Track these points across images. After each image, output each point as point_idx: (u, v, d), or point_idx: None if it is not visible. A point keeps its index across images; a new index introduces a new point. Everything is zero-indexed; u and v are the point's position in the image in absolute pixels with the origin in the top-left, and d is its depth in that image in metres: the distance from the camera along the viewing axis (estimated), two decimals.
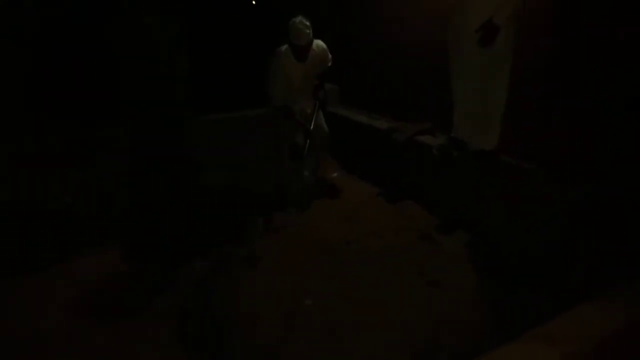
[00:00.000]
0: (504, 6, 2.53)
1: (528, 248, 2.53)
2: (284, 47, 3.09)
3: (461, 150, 3.00)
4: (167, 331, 2.19)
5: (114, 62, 2.88)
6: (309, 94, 3.34)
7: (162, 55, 2.86)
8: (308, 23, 2.95)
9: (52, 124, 3.69)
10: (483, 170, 2.86)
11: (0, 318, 2.26)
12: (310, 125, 3.32)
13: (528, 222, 2.56)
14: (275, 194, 3.58)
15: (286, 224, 3.14)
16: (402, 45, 3.80)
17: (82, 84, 3.78)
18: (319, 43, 3.14)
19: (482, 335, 1.96)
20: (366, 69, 4.27)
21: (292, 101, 3.24)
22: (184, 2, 2.94)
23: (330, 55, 3.31)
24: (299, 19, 2.95)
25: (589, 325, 1.62)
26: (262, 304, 2.32)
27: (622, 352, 1.54)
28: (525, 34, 2.65)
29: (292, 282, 2.47)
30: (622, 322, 1.63)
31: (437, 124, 3.44)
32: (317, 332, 2.11)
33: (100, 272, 2.64)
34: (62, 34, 3.75)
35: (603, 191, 2.27)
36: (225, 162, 3.72)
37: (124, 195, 3.18)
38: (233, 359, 2.04)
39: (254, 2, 5.04)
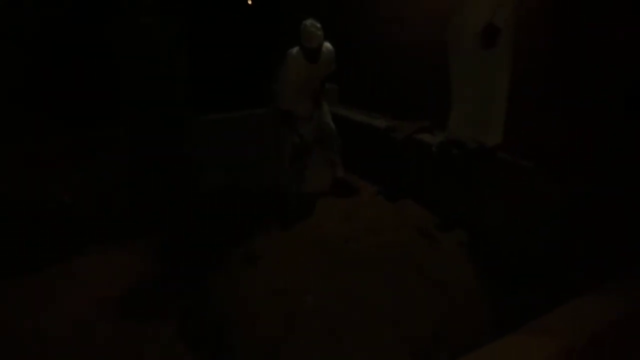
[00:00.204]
0: (502, 7, 2.54)
1: (528, 247, 2.53)
2: (295, 49, 3.09)
3: (460, 149, 3.00)
4: (168, 330, 2.19)
5: (114, 62, 2.88)
6: (314, 94, 3.34)
7: (162, 55, 2.87)
8: (319, 25, 2.96)
9: (52, 124, 3.69)
10: (482, 169, 2.86)
11: (1, 318, 2.26)
12: (316, 124, 3.32)
13: (528, 221, 2.56)
14: (275, 193, 3.58)
15: (286, 222, 3.13)
16: (402, 45, 3.80)
17: (82, 84, 3.78)
18: (327, 45, 3.15)
19: (482, 333, 1.97)
20: (366, 68, 4.27)
21: (298, 102, 3.24)
22: (184, 2, 2.94)
23: (334, 58, 3.30)
24: (310, 21, 2.95)
25: (584, 318, 1.64)
26: (262, 303, 2.32)
27: (617, 345, 1.55)
28: (525, 34, 2.66)
29: (292, 281, 2.47)
30: (617, 315, 1.65)
31: (436, 123, 3.44)
32: (317, 331, 2.12)
33: (100, 272, 2.64)
34: (62, 34, 3.74)
35: (603, 191, 2.28)
36: (224, 162, 3.72)
37: (124, 195, 3.18)
38: (233, 359, 2.04)
39: (249, 2, 5.03)
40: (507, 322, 1.89)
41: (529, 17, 2.64)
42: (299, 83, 3.12)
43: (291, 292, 2.37)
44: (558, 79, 2.63)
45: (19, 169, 3.30)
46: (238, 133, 3.97)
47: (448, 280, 2.46)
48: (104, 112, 3.35)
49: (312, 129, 3.41)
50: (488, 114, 2.79)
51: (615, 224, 2.19)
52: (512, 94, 2.73)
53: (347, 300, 2.31)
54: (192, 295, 2.46)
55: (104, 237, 2.92)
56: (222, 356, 2.06)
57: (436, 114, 3.42)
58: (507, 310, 2.17)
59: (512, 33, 2.62)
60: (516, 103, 2.75)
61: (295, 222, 3.14)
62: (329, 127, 3.50)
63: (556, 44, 2.63)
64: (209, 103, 3.76)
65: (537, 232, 2.50)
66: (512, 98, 2.74)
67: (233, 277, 2.57)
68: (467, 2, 2.72)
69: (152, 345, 2.12)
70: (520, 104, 2.76)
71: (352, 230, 2.98)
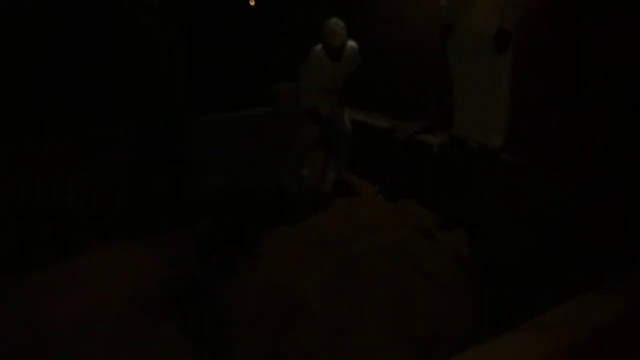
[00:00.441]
0: (511, 11, 2.55)
1: (528, 247, 2.53)
2: (319, 46, 3.12)
3: (461, 149, 3.00)
4: (168, 330, 2.19)
5: (113, 62, 2.89)
6: (336, 92, 3.35)
7: (162, 55, 2.87)
8: (343, 24, 2.99)
9: (52, 124, 3.70)
10: (483, 169, 2.86)
11: (0, 317, 2.26)
12: (336, 124, 3.36)
13: (528, 220, 2.56)
14: (275, 193, 3.59)
15: (286, 222, 3.13)
16: (402, 45, 3.80)
17: (82, 84, 3.79)
18: (352, 44, 3.17)
19: (482, 333, 1.97)
20: (366, 68, 4.27)
21: (321, 100, 3.26)
22: (184, 2, 2.94)
23: (359, 56, 3.29)
24: (333, 20, 2.99)
25: (582, 315, 1.65)
26: (262, 302, 2.33)
27: (616, 343, 1.56)
28: (525, 34, 2.66)
29: (292, 280, 2.47)
30: (614, 313, 1.66)
31: (437, 123, 3.44)
32: (317, 330, 2.12)
33: (101, 272, 2.64)
34: (62, 33, 3.75)
35: (603, 191, 2.28)
36: (224, 162, 3.73)
37: (124, 195, 3.18)
38: (233, 358, 2.04)
39: (252, 3, 5.04)
40: (507, 321, 1.90)
41: (529, 17, 2.64)
42: (321, 80, 3.15)
43: (292, 290, 2.38)
44: (558, 79, 2.64)
45: (20, 169, 3.30)
46: (238, 133, 3.97)
47: (448, 280, 2.47)
48: (104, 112, 3.36)
49: (331, 128, 3.42)
50: (490, 117, 2.79)
51: (615, 224, 2.20)
52: (513, 94, 2.73)
53: (347, 299, 2.32)
54: (193, 294, 2.46)
55: (104, 236, 2.92)
56: (222, 356, 2.06)
57: (437, 114, 3.43)
58: (507, 310, 2.17)
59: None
60: (516, 103, 2.75)
61: (296, 221, 3.15)
62: (347, 132, 3.51)
63: (556, 43, 2.63)
64: (209, 103, 3.77)
65: (537, 231, 2.50)
66: (511, 99, 2.74)
67: (233, 276, 2.57)
68: (468, 7, 2.72)
69: (152, 344, 2.12)
70: (520, 104, 2.76)
71: (352, 230, 2.98)
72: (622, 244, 2.12)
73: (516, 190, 2.67)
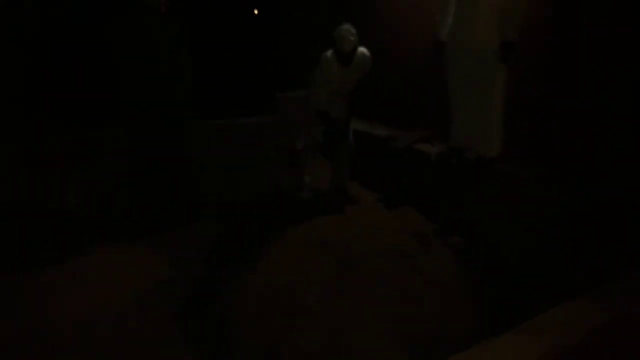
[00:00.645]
0: (511, 22, 2.56)
1: (528, 248, 2.54)
2: (330, 51, 3.19)
3: (459, 159, 3.02)
4: (168, 330, 2.20)
5: (114, 62, 2.89)
6: (346, 99, 3.40)
7: (162, 55, 2.87)
8: (354, 31, 3.07)
9: (53, 124, 3.70)
10: (481, 178, 2.88)
11: (1, 317, 2.26)
12: (341, 130, 3.40)
13: (527, 221, 2.57)
14: (276, 197, 3.60)
15: (287, 225, 3.15)
16: (402, 56, 3.83)
17: (82, 84, 3.80)
18: (362, 50, 3.22)
19: (481, 333, 1.97)
20: (366, 78, 4.30)
21: (330, 105, 3.31)
22: (184, 2, 2.95)
23: (370, 62, 3.31)
24: (345, 26, 3.07)
25: (581, 316, 1.67)
26: (262, 302, 2.34)
27: (614, 345, 1.57)
28: (526, 34, 2.66)
29: (292, 280, 2.49)
30: (608, 315, 1.67)
31: (435, 133, 3.47)
32: (317, 331, 2.13)
33: (101, 272, 2.65)
34: (63, 34, 3.76)
35: (603, 191, 2.28)
36: (224, 163, 3.75)
37: (124, 196, 3.19)
38: (233, 358, 2.05)
39: (255, 12, 5.05)
40: (506, 322, 1.90)
41: (528, 18, 2.64)
42: (331, 85, 3.22)
43: (291, 292, 2.39)
44: (557, 80, 2.64)
45: (21, 169, 3.31)
46: (238, 137, 4.01)
47: (447, 281, 2.48)
48: (104, 112, 3.37)
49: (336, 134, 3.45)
50: (488, 127, 2.81)
51: (615, 224, 2.20)
52: (513, 95, 2.74)
53: (347, 300, 2.33)
54: (193, 295, 2.46)
55: (105, 237, 2.93)
56: (222, 356, 2.07)
57: (435, 123, 3.45)
58: (506, 311, 2.18)
59: None
60: (516, 104, 2.76)
61: (296, 223, 3.16)
62: (349, 140, 3.55)
63: (556, 44, 2.63)
64: (211, 104, 3.79)
65: (537, 232, 2.50)
66: (511, 99, 2.74)
67: (233, 277, 2.58)
68: (465, 20, 2.74)
69: (152, 345, 2.12)
70: (520, 104, 2.76)
71: (351, 234, 3.01)
72: (621, 244, 2.13)
73: (515, 191, 2.68)
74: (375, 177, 3.79)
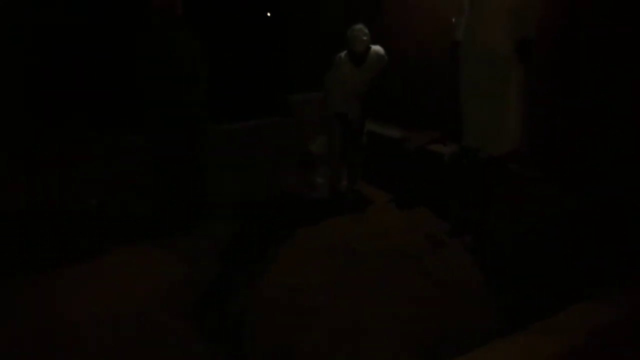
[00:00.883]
0: (528, 21, 2.57)
1: (531, 249, 2.55)
2: (344, 52, 3.23)
3: (473, 159, 3.04)
4: (185, 328, 2.23)
5: (138, 74, 3.00)
6: (360, 99, 3.42)
7: (186, 69, 2.95)
8: (366, 31, 3.10)
9: (76, 129, 3.85)
10: (493, 178, 2.90)
11: (28, 313, 2.35)
12: (355, 131, 3.43)
13: (531, 223, 2.58)
14: (289, 199, 3.66)
15: (299, 227, 3.20)
16: (413, 56, 3.86)
17: (107, 92, 3.95)
18: (376, 49, 3.25)
19: (488, 333, 1.99)
20: (378, 79, 4.34)
21: (345, 105, 3.34)
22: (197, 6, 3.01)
23: (385, 61, 3.33)
24: (358, 26, 3.11)
25: (585, 319, 1.68)
26: (274, 304, 2.38)
27: (615, 345, 1.58)
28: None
29: (302, 281, 2.53)
30: (616, 316, 1.68)
31: (447, 133, 3.49)
32: (328, 330, 2.18)
33: (121, 272, 2.72)
34: (91, 44, 3.92)
35: (603, 191, 2.28)
36: (239, 168, 3.82)
37: (144, 199, 3.29)
38: (248, 357, 2.10)
39: (268, 15, 5.14)
40: (513, 324, 1.93)
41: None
42: (345, 86, 3.25)
43: (302, 293, 2.43)
44: (561, 80, 2.65)
45: (44, 172, 3.44)
46: (252, 140, 4.07)
47: (455, 282, 2.50)
48: (126, 118, 3.49)
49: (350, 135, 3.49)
50: (500, 127, 2.82)
51: (616, 225, 2.20)
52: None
53: (357, 301, 2.37)
54: (209, 295, 2.52)
55: (124, 238, 2.99)
56: (238, 354, 2.11)
57: (448, 124, 3.48)
58: (513, 312, 2.20)
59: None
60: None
61: (308, 225, 3.21)
62: (362, 141, 3.59)
63: (556, 43, 2.65)
64: (222, 110, 3.84)
65: (545, 235, 2.51)
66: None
67: (247, 278, 2.63)
68: (479, 19, 2.77)
69: (168, 343, 2.16)
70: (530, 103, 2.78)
71: (363, 234, 3.04)
72: (622, 245, 2.13)
73: (521, 192, 2.69)
74: (387, 177, 3.80)
